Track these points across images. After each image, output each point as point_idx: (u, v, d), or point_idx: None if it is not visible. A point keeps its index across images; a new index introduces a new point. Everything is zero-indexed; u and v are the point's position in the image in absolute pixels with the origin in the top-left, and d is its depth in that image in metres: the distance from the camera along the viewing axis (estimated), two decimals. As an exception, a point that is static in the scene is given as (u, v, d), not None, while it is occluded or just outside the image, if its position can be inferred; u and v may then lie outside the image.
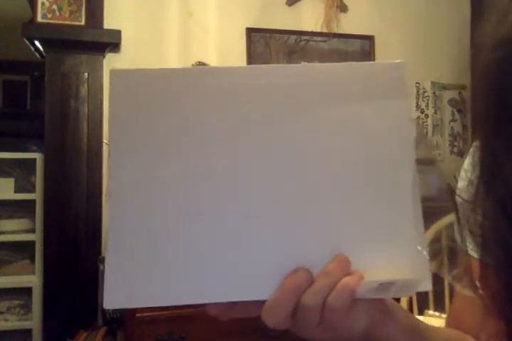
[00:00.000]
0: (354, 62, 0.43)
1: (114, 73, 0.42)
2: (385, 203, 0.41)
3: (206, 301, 0.40)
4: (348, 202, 0.41)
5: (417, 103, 2.55)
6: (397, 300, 1.47)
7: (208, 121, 0.41)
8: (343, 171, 0.41)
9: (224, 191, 0.40)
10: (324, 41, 2.45)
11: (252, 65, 0.42)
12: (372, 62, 0.41)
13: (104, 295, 0.39)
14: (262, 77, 0.42)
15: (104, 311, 2.04)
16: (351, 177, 0.41)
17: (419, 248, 0.40)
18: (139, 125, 0.41)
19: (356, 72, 0.43)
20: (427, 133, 2.55)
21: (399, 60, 0.43)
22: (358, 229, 0.40)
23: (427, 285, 0.39)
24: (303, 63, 0.44)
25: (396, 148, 0.41)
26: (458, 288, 0.56)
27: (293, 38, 2.45)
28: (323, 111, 0.42)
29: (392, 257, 0.40)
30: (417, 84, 2.54)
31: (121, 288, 0.39)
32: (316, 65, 0.43)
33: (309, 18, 2.46)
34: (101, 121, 2.18)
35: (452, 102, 2.66)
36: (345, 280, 0.38)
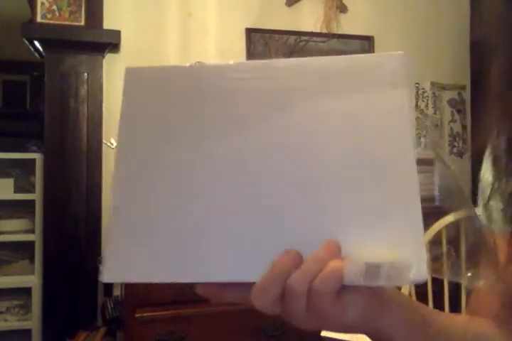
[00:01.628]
0: (354, 55, 0.44)
1: (128, 71, 0.47)
2: (381, 190, 0.41)
3: (197, 280, 0.41)
4: (342, 189, 0.41)
5: (417, 103, 2.55)
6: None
7: (212, 115, 0.44)
8: (340, 159, 0.42)
9: (222, 177, 0.42)
10: (324, 42, 2.45)
11: (255, 61, 0.45)
12: (373, 54, 0.43)
13: (103, 268, 0.41)
14: (264, 71, 0.44)
15: (103, 311, 2.04)
16: (349, 165, 0.41)
17: (414, 235, 0.39)
18: (148, 119, 0.44)
19: (357, 64, 0.44)
20: (426, 132, 2.56)
21: (399, 52, 0.43)
22: (353, 215, 0.40)
23: (421, 274, 0.38)
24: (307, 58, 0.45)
25: (395, 137, 0.42)
26: (478, 284, 0.56)
27: (292, 38, 2.45)
28: (323, 102, 0.43)
29: (387, 244, 0.39)
30: (417, 85, 2.54)
31: (120, 263, 0.41)
32: (318, 58, 0.44)
33: (309, 19, 2.46)
34: (100, 121, 2.18)
35: (452, 102, 2.66)
36: (333, 263, 0.38)
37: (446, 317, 0.52)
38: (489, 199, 0.58)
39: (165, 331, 1.75)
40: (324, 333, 1.10)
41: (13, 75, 3.98)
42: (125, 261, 0.41)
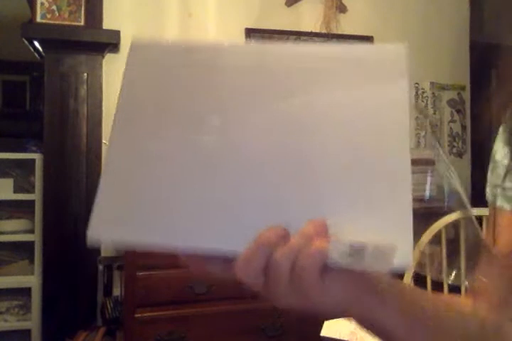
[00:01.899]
0: (355, 44, 0.46)
1: (133, 44, 0.47)
2: (375, 178, 0.41)
3: (182, 246, 0.41)
4: (337, 174, 0.41)
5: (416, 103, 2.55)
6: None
7: (210, 92, 0.45)
8: (337, 146, 0.42)
9: (214, 153, 0.43)
10: (323, 42, 2.45)
11: (260, 44, 0.48)
12: (373, 44, 0.44)
13: (90, 225, 0.41)
14: (267, 55, 0.45)
15: (103, 311, 2.04)
16: (344, 151, 0.42)
17: (403, 222, 0.39)
18: (147, 91, 0.46)
19: (357, 53, 0.45)
20: (426, 133, 2.56)
21: (399, 44, 0.44)
22: (344, 199, 0.41)
23: (405, 261, 0.38)
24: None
25: (393, 127, 0.42)
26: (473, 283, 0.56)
27: (292, 38, 2.45)
28: (322, 89, 0.43)
29: (375, 229, 0.39)
30: (416, 85, 2.55)
31: (107, 222, 0.42)
32: (317, 46, 0.45)
33: (308, 19, 2.46)
34: (100, 121, 2.18)
35: (451, 103, 2.67)
36: (318, 241, 0.38)
37: (446, 307, 0.52)
38: (505, 178, 0.58)
39: (165, 331, 1.75)
40: (324, 333, 1.10)
41: (12, 75, 3.98)
42: (112, 220, 0.42)
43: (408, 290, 0.48)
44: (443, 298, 0.53)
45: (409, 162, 0.41)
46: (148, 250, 0.41)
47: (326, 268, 0.39)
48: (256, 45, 0.48)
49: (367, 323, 0.45)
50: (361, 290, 0.42)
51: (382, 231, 0.39)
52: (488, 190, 0.60)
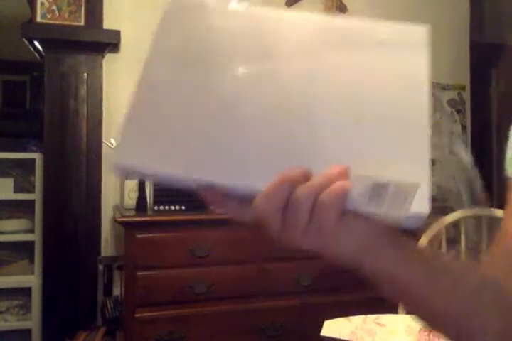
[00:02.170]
0: (378, 21, 0.48)
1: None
2: (397, 130, 0.43)
3: (201, 178, 0.41)
4: (360, 124, 0.43)
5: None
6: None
7: (236, 48, 0.47)
8: (362, 102, 0.44)
9: (241, 92, 0.44)
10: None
11: (291, 12, 0.52)
12: (397, 22, 0.46)
13: (115, 152, 0.42)
14: (298, 20, 0.49)
15: (103, 311, 2.04)
16: (369, 106, 0.44)
17: (421, 171, 0.40)
18: (176, 41, 0.48)
19: (382, 28, 0.48)
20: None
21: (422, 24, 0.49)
22: (366, 145, 0.42)
23: (423, 207, 0.39)
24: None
25: (414, 93, 0.45)
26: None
27: (292, 38, 2.45)
28: (347, 54, 0.46)
29: (395, 174, 0.40)
30: (417, 85, 2.54)
31: (131, 150, 0.42)
32: (338, 19, 0.49)
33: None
34: (100, 121, 2.18)
35: (451, 103, 2.67)
36: (341, 180, 0.39)
37: (460, 266, 0.52)
38: None
39: (165, 331, 1.75)
40: (324, 333, 1.10)
41: (13, 75, 3.98)
42: (136, 150, 0.42)
43: (428, 249, 0.47)
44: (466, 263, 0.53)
45: (427, 121, 0.43)
46: (168, 184, 0.41)
47: (345, 213, 0.39)
48: (289, 13, 0.51)
49: (384, 277, 0.44)
50: (375, 245, 0.42)
51: (402, 177, 0.40)
52: (508, 164, 0.59)
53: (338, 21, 0.49)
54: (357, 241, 0.41)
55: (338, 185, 0.38)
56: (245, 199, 0.40)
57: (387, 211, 0.39)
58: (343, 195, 0.38)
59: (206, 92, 0.44)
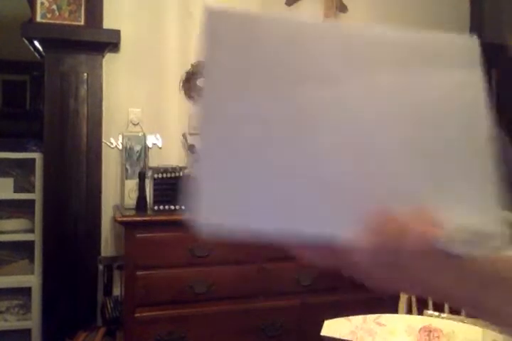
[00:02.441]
0: (425, 33, 0.46)
1: (209, 11, 0.43)
2: (463, 165, 0.42)
3: (294, 230, 0.39)
4: (432, 161, 0.42)
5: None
6: (396, 298, 1.47)
7: (293, 67, 0.43)
8: (421, 131, 0.43)
9: (316, 126, 0.42)
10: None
11: (339, 23, 0.49)
12: (445, 34, 0.44)
13: (199, 209, 0.39)
14: (351, 37, 0.46)
15: (103, 311, 2.04)
16: (429, 135, 0.43)
17: (491, 203, 0.40)
18: (230, 64, 0.43)
19: (431, 41, 0.46)
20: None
21: (470, 34, 0.47)
22: (436, 182, 0.41)
23: (506, 242, 0.39)
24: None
25: (471, 113, 0.44)
26: None
27: (292, 38, 2.45)
28: (401, 73, 0.44)
29: (468, 212, 0.40)
30: (417, 85, 2.54)
31: (214, 207, 0.40)
32: (395, 31, 0.46)
33: (308, 19, 2.46)
34: (100, 121, 2.18)
35: (451, 102, 2.66)
36: (430, 225, 0.38)
37: None
38: None
39: (165, 331, 1.75)
40: (324, 333, 1.10)
41: (13, 75, 3.98)
42: (219, 206, 0.40)
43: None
44: None
45: (490, 147, 0.42)
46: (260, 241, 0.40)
47: (432, 253, 0.39)
48: (337, 25, 0.49)
49: (470, 306, 0.44)
50: (472, 280, 0.41)
51: (476, 214, 0.40)
52: None
53: (387, 34, 0.46)
54: (451, 281, 0.41)
55: (427, 229, 0.38)
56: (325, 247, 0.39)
57: (477, 251, 0.39)
58: (431, 241, 0.38)
59: (280, 125, 0.41)
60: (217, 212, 0.40)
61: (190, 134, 2.26)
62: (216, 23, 0.43)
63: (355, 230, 0.38)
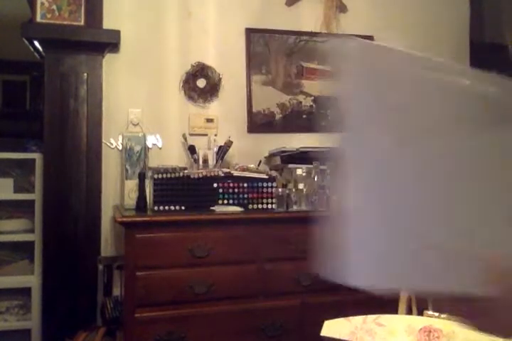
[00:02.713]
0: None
1: (350, 43, 0.41)
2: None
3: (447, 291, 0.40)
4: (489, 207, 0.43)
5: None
6: (396, 300, 1.47)
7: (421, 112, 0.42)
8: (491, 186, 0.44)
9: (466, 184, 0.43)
10: (323, 41, 2.45)
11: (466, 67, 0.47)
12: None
13: (351, 271, 0.39)
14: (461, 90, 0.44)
15: (103, 311, 2.04)
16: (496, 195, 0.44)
17: None
18: (367, 97, 0.41)
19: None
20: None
21: None
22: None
23: None
24: None
25: None
26: None
27: (292, 38, 2.45)
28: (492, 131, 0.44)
29: None
30: (417, 85, 2.54)
31: (367, 266, 0.39)
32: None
33: (308, 19, 2.46)
34: (100, 121, 2.18)
35: (451, 102, 2.66)
36: None
37: None
38: None
39: (165, 331, 1.75)
40: (324, 333, 1.10)
41: (12, 75, 3.97)
42: (367, 265, 0.39)
43: None
44: None
45: None
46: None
47: None
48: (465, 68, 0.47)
49: None
50: None
51: None
52: None
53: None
54: None
55: None
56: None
57: None
58: None
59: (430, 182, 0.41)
60: (365, 276, 0.39)
61: (190, 134, 2.26)
62: (358, 57, 0.41)
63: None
